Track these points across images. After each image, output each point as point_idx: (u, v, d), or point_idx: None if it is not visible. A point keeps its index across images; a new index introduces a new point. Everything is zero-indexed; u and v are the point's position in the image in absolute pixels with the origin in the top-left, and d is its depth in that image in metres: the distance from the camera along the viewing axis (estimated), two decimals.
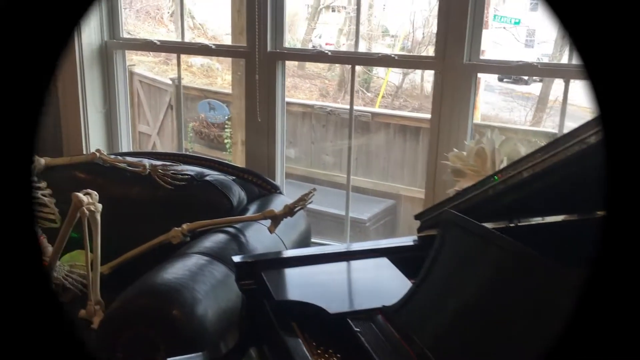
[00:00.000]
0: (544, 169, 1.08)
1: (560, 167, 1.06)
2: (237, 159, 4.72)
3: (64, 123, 2.68)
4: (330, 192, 5.53)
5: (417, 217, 1.43)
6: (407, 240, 1.40)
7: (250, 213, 2.16)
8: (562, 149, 1.04)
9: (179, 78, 2.78)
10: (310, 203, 1.95)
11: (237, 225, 2.03)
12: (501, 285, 0.97)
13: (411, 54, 6.35)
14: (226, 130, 6.27)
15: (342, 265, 1.29)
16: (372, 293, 1.19)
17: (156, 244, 2.03)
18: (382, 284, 1.23)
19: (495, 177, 1.20)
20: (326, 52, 2.34)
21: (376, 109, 7.41)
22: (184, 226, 2.01)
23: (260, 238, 2.01)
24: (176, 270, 1.69)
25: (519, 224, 1.45)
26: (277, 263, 1.29)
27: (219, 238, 1.95)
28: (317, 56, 2.40)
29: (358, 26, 2.36)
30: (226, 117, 6.18)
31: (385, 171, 5.73)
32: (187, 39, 2.66)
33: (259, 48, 2.35)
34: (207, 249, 1.85)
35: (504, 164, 1.77)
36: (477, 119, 5.91)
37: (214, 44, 2.53)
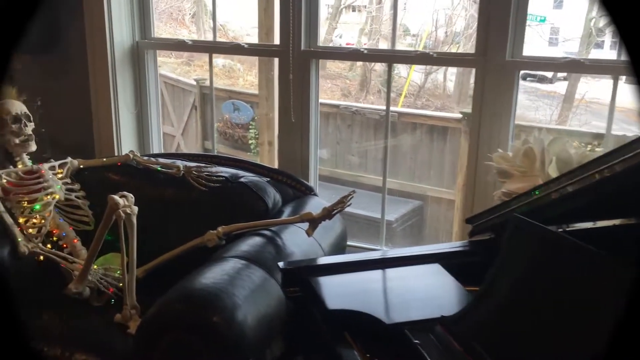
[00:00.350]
0: (615, 174, 1.01)
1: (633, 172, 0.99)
2: (264, 160, 4.68)
3: (95, 124, 2.66)
4: (357, 193, 5.44)
5: (468, 220, 1.37)
6: (458, 245, 1.34)
7: (285, 215, 2.11)
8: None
9: (211, 78, 2.74)
10: (349, 205, 1.90)
11: (273, 228, 1.98)
12: (577, 291, 0.90)
13: (450, 51, 6.20)
14: (250, 130, 6.24)
15: (392, 272, 1.23)
16: (428, 302, 1.13)
17: (191, 247, 1.99)
18: (436, 291, 1.17)
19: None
20: (362, 50, 2.28)
21: (403, 109, 7.32)
22: (220, 229, 1.96)
23: (297, 241, 1.95)
24: (214, 275, 1.65)
25: (567, 229, 1.38)
26: (324, 269, 1.23)
27: (255, 241, 1.90)
28: (352, 54, 2.34)
29: (395, 23, 2.29)
30: (251, 118, 6.15)
31: (411, 171, 5.65)
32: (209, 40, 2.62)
33: (293, 46, 2.30)
34: (244, 253, 1.80)
35: (553, 165, 1.70)
36: None
37: (246, 43, 2.49)
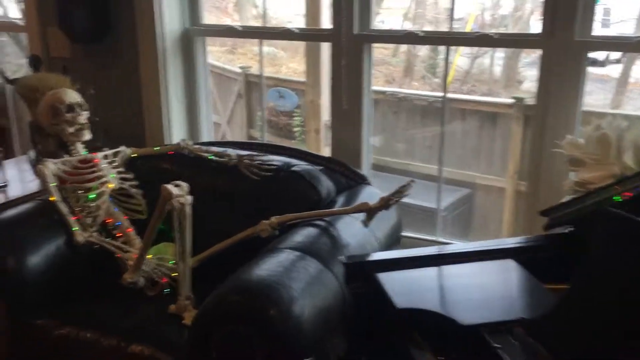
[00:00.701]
0: None
1: None
2: (311, 148, 4.64)
3: (146, 113, 2.65)
4: (403, 181, 5.34)
5: (544, 213, 1.27)
6: (532, 239, 1.25)
7: (338, 205, 2.05)
8: None
9: (261, 64, 2.69)
10: (407, 195, 1.82)
11: (327, 218, 1.92)
12: None
13: (512, 32, 5.89)
14: (295, 118, 6.20)
15: (463, 268, 1.15)
16: (505, 301, 1.05)
17: (244, 237, 1.95)
18: (514, 290, 1.08)
19: None
20: (417, 32, 2.18)
21: (453, 95, 7.13)
22: (273, 219, 1.92)
23: (352, 232, 1.89)
24: (269, 267, 1.61)
25: None
26: (390, 264, 1.16)
27: (309, 232, 1.85)
28: (408, 37, 2.25)
29: (453, 2, 2.17)
30: (295, 105, 6.11)
31: (460, 158, 5.50)
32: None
33: (346, 30, 2.23)
34: (299, 244, 1.75)
35: (630, 153, 1.58)
36: None
37: (297, 28, 2.42)
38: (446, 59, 2.27)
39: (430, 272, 1.14)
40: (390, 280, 1.10)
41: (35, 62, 2.61)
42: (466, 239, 5.05)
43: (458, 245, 1.41)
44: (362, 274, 1.16)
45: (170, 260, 1.95)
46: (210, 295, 1.54)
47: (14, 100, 3.42)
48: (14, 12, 3.42)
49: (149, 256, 1.90)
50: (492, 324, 0.96)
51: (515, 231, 4.91)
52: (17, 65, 3.93)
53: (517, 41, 2.12)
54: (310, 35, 2.82)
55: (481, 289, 1.10)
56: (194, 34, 2.60)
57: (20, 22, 3.08)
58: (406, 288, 1.11)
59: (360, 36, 2.25)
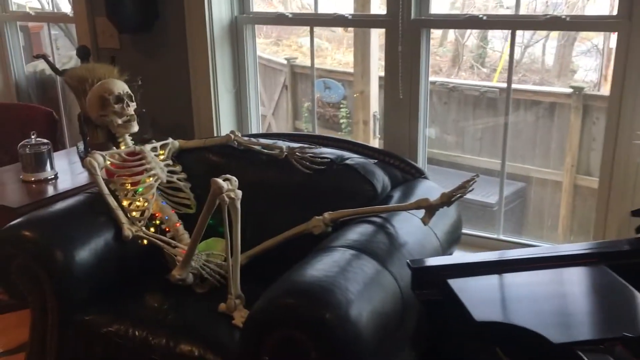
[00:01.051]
0: None
1: None
2: (359, 139, 4.52)
3: (194, 104, 2.59)
4: (452, 174, 5.21)
5: (635, 213, 1.13)
6: (624, 242, 1.11)
7: (394, 200, 1.93)
8: None
9: (312, 52, 2.58)
10: (471, 191, 1.69)
11: (382, 215, 1.81)
12: None
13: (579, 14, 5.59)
14: (342, 109, 6.10)
15: (549, 275, 1.02)
16: (601, 314, 0.91)
17: (296, 234, 1.87)
18: (609, 301, 0.95)
19: None
20: (480, 16, 2.03)
21: (504, 85, 6.89)
22: (326, 215, 1.82)
23: (410, 229, 1.78)
24: (324, 267, 1.51)
25: None
26: (463, 270, 1.04)
27: (365, 229, 1.74)
28: (469, 22, 2.10)
29: None
30: (342, 97, 6.02)
31: (514, 150, 5.29)
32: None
33: (402, 15, 2.10)
34: (354, 242, 1.65)
35: None
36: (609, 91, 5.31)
37: (350, 14, 2.31)
38: (511, 46, 2.11)
39: (510, 279, 1.01)
40: (465, 289, 0.99)
41: (83, 53, 2.58)
42: (520, 234, 4.85)
43: (538, 249, 1.27)
44: (431, 280, 1.04)
45: (220, 256, 1.88)
46: (262, 296, 1.46)
47: (64, 91, 3.43)
48: (64, 3, 3.42)
49: (198, 252, 1.83)
50: (590, 342, 0.84)
51: (572, 228, 4.69)
52: (68, 56, 3.95)
53: (590, 24, 1.95)
54: (364, 21, 2.70)
55: (571, 299, 0.98)
56: (243, 22, 2.52)
57: (70, 13, 3.07)
58: (484, 298, 0.99)
59: (418, 21, 2.12)
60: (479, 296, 0.98)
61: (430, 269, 1.06)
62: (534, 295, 0.98)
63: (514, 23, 2.04)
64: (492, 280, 1.02)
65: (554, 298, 0.98)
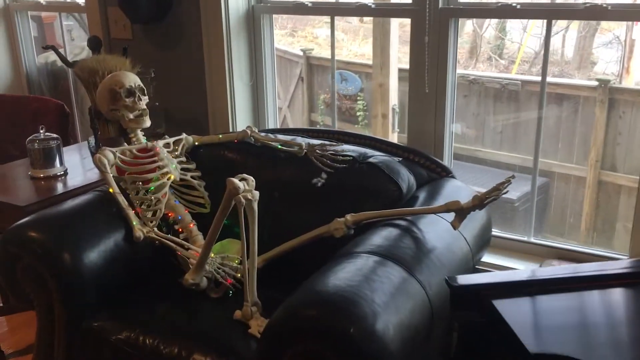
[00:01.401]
0: None
1: None
2: (377, 133, 4.41)
3: (210, 97, 2.48)
4: (472, 169, 5.08)
5: None
6: None
7: (420, 201, 1.82)
8: None
9: (332, 42, 2.46)
10: (505, 193, 1.57)
11: (408, 218, 1.70)
12: None
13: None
14: (358, 102, 5.99)
15: (596, 297, 0.90)
16: None
17: (315, 237, 1.76)
18: None
19: None
20: (514, 4, 1.90)
21: (529, 77, 6.70)
22: (348, 217, 1.71)
23: (439, 233, 1.67)
24: (347, 275, 1.40)
25: None
26: (509, 289, 0.93)
27: (390, 233, 1.63)
28: (501, 10, 1.97)
29: None
30: (359, 89, 5.90)
31: (534, 144, 5.15)
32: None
33: (429, 4, 1.97)
34: (379, 247, 1.54)
35: None
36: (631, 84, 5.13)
37: (373, 3, 2.18)
38: (547, 36, 1.97)
39: (556, 302, 0.90)
40: (512, 312, 0.87)
41: (94, 44, 2.49)
42: (541, 232, 4.72)
43: (593, 265, 1.15)
44: (471, 300, 0.92)
45: (235, 259, 1.78)
46: (281, 306, 1.36)
47: (76, 84, 3.35)
48: None
49: (212, 254, 1.73)
50: None
51: (596, 225, 4.54)
52: (80, 47, 3.86)
53: (634, 12, 1.81)
54: (388, 11, 2.57)
55: (622, 328, 0.86)
56: (260, 12, 2.40)
57: (82, 3, 2.98)
58: (532, 324, 0.87)
59: (446, 10, 1.99)
60: (527, 321, 0.87)
61: (471, 288, 0.94)
62: (591, 319, 0.86)
63: (550, 12, 1.90)
64: (538, 302, 0.91)
65: (614, 323, 0.87)
